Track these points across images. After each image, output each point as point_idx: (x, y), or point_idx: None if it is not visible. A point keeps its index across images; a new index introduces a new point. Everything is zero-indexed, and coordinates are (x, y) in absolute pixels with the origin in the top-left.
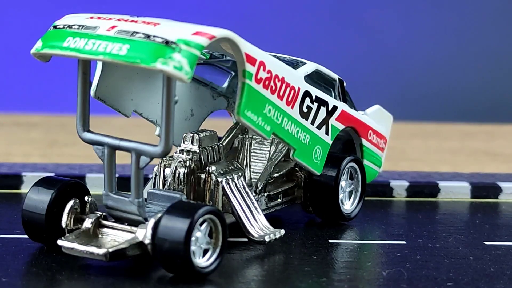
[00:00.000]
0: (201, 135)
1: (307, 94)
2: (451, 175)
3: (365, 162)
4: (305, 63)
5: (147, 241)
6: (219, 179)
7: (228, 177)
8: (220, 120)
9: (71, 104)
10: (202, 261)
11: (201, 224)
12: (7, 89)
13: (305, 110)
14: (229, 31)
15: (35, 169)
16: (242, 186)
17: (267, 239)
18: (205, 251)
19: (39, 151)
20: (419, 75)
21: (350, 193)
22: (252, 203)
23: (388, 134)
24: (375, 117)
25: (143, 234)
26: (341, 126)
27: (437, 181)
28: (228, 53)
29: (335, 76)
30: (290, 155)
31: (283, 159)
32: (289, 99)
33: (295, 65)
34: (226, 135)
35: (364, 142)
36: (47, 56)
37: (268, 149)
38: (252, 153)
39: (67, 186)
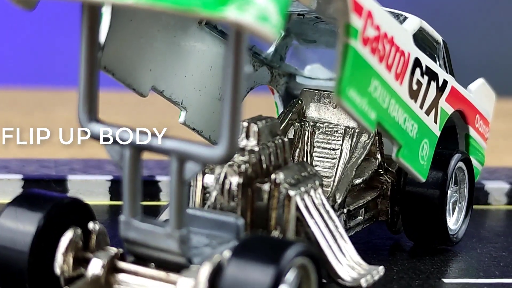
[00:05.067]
0: (260, 124)
1: (417, 63)
2: None
3: None
4: (407, 17)
5: None
6: (291, 193)
7: (302, 188)
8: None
9: (23, 76)
10: None
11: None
12: None
13: (414, 87)
14: None
15: None
16: (321, 202)
17: (363, 284)
18: None
19: None
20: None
21: (454, 204)
22: (336, 227)
23: (491, 118)
24: (479, 95)
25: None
26: (450, 110)
27: None
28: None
29: (439, 37)
30: (393, 155)
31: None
32: (398, 71)
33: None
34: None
35: (471, 131)
36: (33, 1)
37: (340, 142)
38: (316, 149)
39: (61, 206)
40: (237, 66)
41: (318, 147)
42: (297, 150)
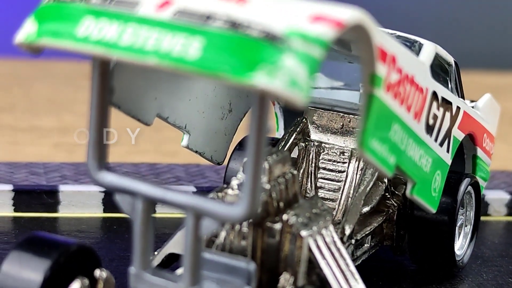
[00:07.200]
0: (271, 160)
1: (434, 96)
2: None
3: None
4: (422, 44)
5: None
6: (303, 233)
7: (314, 228)
8: None
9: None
10: None
11: None
12: None
13: (431, 122)
14: (361, 14)
15: None
16: (332, 240)
17: None
18: None
19: None
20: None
21: (459, 228)
22: (347, 265)
23: (495, 132)
24: (486, 111)
25: None
26: (461, 136)
27: None
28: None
29: (451, 59)
30: (407, 192)
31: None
32: (417, 109)
33: (411, 48)
34: (282, 142)
35: (479, 151)
36: (42, 48)
37: (346, 165)
38: (321, 170)
39: (69, 255)
40: (261, 128)
41: (323, 168)
42: (301, 171)
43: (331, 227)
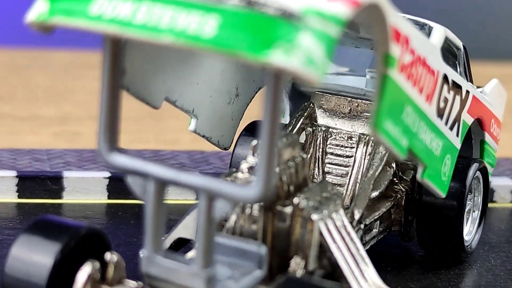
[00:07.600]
0: (281, 144)
1: (445, 80)
2: None
3: None
4: (432, 27)
5: None
6: (314, 217)
7: (325, 211)
8: None
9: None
10: None
11: None
12: None
13: (441, 105)
14: None
15: None
16: (342, 224)
17: None
18: None
19: None
20: None
21: (467, 214)
22: (358, 249)
23: (502, 118)
24: (493, 97)
25: None
26: (470, 121)
27: None
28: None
29: (460, 43)
30: (418, 176)
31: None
32: (429, 91)
33: (421, 31)
34: (290, 127)
35: (486, 136)
36: (54, 27)
37: (354, 150)
38: (328, 155)
39: (79, 238)
40: (275, 107)
41: (331, 153)
42: (309, 156)
43: (342, 211)
